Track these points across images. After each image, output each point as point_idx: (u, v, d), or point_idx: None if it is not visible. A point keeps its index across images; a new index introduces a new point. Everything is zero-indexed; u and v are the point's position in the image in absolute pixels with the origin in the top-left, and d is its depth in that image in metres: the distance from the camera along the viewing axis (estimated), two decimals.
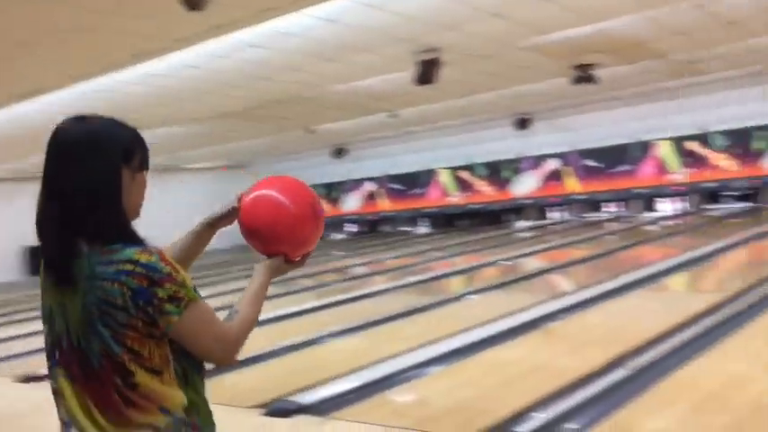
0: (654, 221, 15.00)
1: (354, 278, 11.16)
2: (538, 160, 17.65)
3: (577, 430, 3.40)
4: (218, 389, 4.77)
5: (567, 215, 17.75)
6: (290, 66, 8.93)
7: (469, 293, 8.29)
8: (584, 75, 10.46)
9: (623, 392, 3.86)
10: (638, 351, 4.64)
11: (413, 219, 19.65)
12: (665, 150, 15.78)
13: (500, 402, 3.87)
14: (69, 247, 1.39)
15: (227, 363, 1.48)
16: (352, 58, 8.73)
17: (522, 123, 16.55)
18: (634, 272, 8.14)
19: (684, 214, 15.41)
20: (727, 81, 13.73)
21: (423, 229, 19.19)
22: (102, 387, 1.38)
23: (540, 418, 3.54)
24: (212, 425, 1.51)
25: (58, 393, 1.45)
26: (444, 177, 19.04)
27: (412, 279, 9.43)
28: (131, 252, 1.38)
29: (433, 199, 19.07)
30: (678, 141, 15.54)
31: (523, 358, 4.85)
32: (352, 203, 21.12)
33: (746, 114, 14.57)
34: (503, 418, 3.57)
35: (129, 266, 1.36)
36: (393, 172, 19.44)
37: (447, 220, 19.11)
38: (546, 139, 17.25)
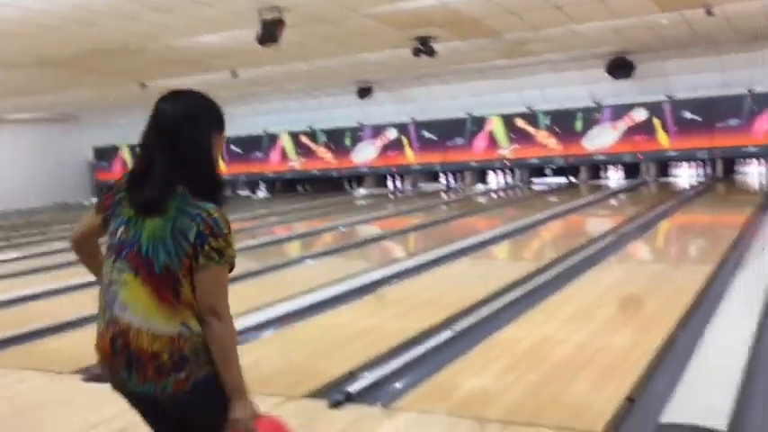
0: (484, 193, 15.80)
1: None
2: (378, 129, 17.94)
3: (402, 389, 3.52)
4: (36, 353, 4.48)
5: (404, 185, 18.25)
6: (119, 13, 8.36)
7: (306, 258, 8.31)
8: (423, 47, 10.71)
9: (447, 353, 4.05)
10: (463, 314, 4.88)
11: (252, 183, 19.34)
12: (496, 126, 16.60)
13: (331, 363, 3.92)
14: (171, 189, 1.83)
15: (214, 327, 1.81)
16: (191, 11, 8.34)
17: (364, 92, 16.72)
18: (463, 240, 8.52)
19: (511, 188, 16.36)
20: (553, 63, 14.65)
21: (262, 193, 18.95)
22: (159, 287, 1.80)
23: (368, 378, 3.63)
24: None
25: (116, 282, 1.84)
26: (285, 142, 18.85)
27: (250, 243, 9.29)
28: (212, 207, 1.84)
29: (273, 163, 18.87)
30: (508, 118, 16.41)
31: (355, 321, 4.94)
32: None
33: (569, 96, 15.66)
34: (332, 379, 3.62)
35: (205, 215, 1.82)
36: (232, 134, 18.94)
37: (287, 186, 19.00)
38: (387, 109, 17.56)
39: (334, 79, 15.52)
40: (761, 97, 14.09)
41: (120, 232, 1.86)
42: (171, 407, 1.82)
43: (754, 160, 14.97)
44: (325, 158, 18.57)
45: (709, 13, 9.79)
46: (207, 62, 11.72)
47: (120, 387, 1.86)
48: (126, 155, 21.18)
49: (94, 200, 21.13)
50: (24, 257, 9.09)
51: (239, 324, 4.75)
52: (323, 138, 18.53)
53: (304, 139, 18.70)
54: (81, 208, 19.16)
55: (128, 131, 20.95)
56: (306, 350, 4.34)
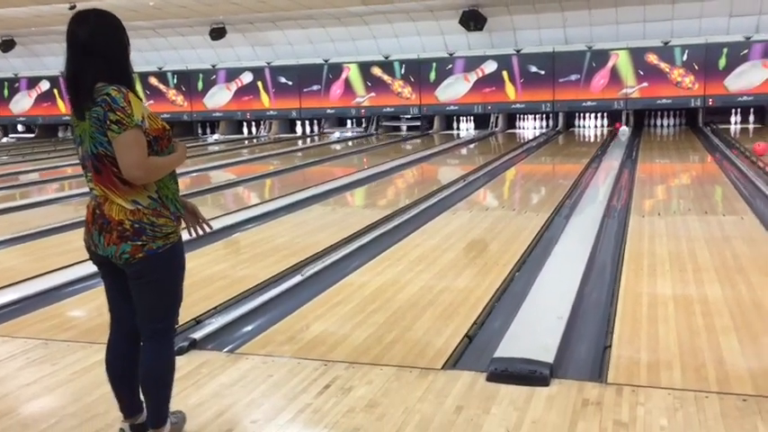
0: (340, 141, 15.82)
1: (22, 186, 10.07)
2: (233, 73, 17.39)
3: (248, 335, 3.50)
4: None
5: (259, 131, 17.90)
6: None
7: None
8: None
9: (295, 299, 4.06)
10: (313, 260, 4.91)
11: None
12: (352, 74, 16.58)
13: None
14: (83, 91, 2.19)
15: (136, 181, 2.17)
16: None
17: (218, 33, 16.06)
18: (318, 187, 8.52)
19: (367, 135, 16.49)
20: (409, 13, 14.76)
21: None
22: (108, 174, 2.19)
23: (214, 324, 3.57)
24: (179, 204, 2.35)
25: (90, 189, 2.27)
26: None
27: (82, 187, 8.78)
28: (112, 89, 2.15)
29: None
30: (364, 66, 16.43)
31: (203, 267, 4.82)
32: (24, 104, 18.86)
33: (424, 46, 15.90)
34: (178, 326, 3.52)
35: (105, 97, 2.14)
36: None
37: None
38: (242, 52, 17.02)
39: (186, 18, 14.78)
40: (598, 54, 14.99)
41: (79, 150, 2.27)
42: (127, 270, 2.23)
43: (592, 114, 15.99)
44: (177, 101, 17.80)
45: None
46: None
47: (91, 249, 2.28)
48: None
49: None
50: None
51: (75, 273, 4.52)
52: (174, 80, 17.71)
53: (153, 81, 17.78)
54: None
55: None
56: None
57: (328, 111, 17.01)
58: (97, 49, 2.18)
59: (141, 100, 2.24)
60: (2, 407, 2.72)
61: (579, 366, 3.03)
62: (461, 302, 3.89)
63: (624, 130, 13.83)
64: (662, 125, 15.71)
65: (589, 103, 15.37)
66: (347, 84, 16.66)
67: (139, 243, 2.18)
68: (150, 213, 2.21)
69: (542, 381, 2.76)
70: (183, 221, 2.40)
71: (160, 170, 2.23)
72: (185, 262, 2.35)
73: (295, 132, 17.86)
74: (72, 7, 12.05)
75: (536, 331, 3.35)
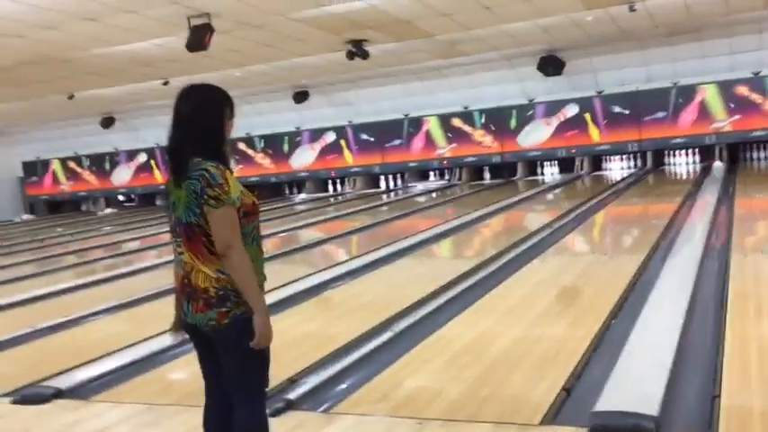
0: (424, 193, 15.91)
1: (123, 254, 10.57)
2: (316, 133, 17.88)
3: (342, 393, 3.51)
4: None
5: (344, 188, 18.23)
6: (43, 23, 8.11)
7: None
8: (356, 50, 10.72)
9: (387, 355, 4.05)
10: (403, 315, 4.90)
11: None
12: (432, 126, 16.74)
13: (270, 371, 3.87)
14: (183, 162, 2.31)
15: (222, 254, 2.25)
16: (116, 20, 8.15)
17: (301, 96, 16.62)
18: (404, 240, 8.56)
19: (450, 186, 16.52)
20: (486, 62, 14.86)
21: None
22: (197, 243, 2.29)
23: (308, 384, 3.60)
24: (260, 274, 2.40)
25: (179, 254, 2.36)
26: None
27: None
28: (210, 164, 2.26)
29: None
30: (444, 118, 16.57)
31: (296, 326, 4.89)
32: (123, 175, 19.93)
33: (503, 94, 15.91)
34: (272, 387, 3.57)
35: (204, 172, 2.24)
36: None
37: None
38: (324, 112, 17.51)
39: (270, 84, 15.39)
40: (685, 90, 14.58)
41: (172, 216, 2.37)
42: (214, 337, 2.30)
43: (682, 151, 15.48)
44: (264, 164, 18.41)
45: (631, 9, 10.09)
46: (135, 71, 11.47)
47: (182, 318, 2.39)
48: (57, 168, 20.58)
49: (26, 216, 20.47)
50: None
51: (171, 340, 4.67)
52: (261, 144, 18.37)
53: (241, 146, 18.49)
54: (12, 225, 18.49)
55: (57, 145, 20.44)
56: None
57: (410, 164, 17.17)
58: (195, 125, 2.31)
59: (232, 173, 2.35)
60: None
61: (686, 418, 2.88)
62: (557, 353, 3.78)
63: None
64: (758, 158, 15.02)
65: (678, 140, 14.90)
66: (428, 136, 16.82)
67: (224, 309, 2.25)
68: (232, 282, 2.27)
69: None
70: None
71: (243, 264, 2.27)
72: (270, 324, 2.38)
73: (379, 187, 18.09)
74: (165, 83, 12.79)
75: (638, 381, 3.22)
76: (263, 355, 2.36)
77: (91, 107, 15.67)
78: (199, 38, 8.18)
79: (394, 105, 16.80)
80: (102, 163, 20.09)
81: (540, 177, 16.39)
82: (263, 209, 12.64)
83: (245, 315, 2.26)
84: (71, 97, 13.58)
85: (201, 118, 2.32)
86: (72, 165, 20.48)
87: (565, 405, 3.10)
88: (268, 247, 9.75)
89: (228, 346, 2.30)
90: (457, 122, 16.49)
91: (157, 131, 18.10)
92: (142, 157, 19.61)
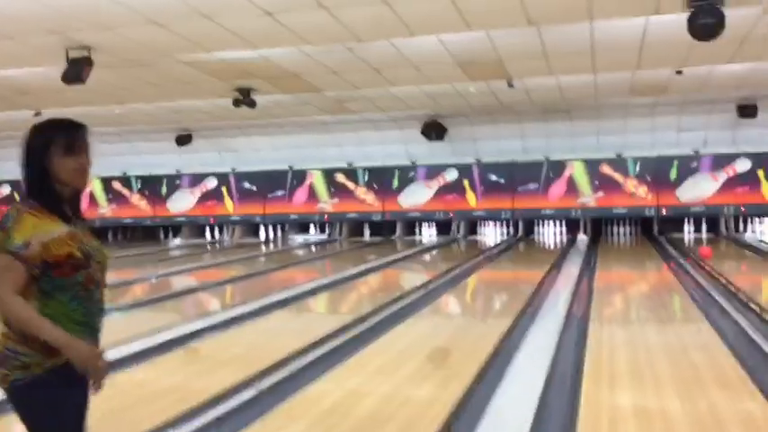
0: (303, 246, 15.84)
1: None
2: (197, 178, 17.51)
3: None
4: None
5: (222, 236, 17.86)
6: None
7: (112, 310, 7.79)
8: (244, 98, 10.68)
9: (250, 413, 3.93)
10: (273, 369, 4.79)
11: None
12: (317, 180, 16.83)
13: (123, 427, 3.66)
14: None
15: None
16: None
17: (183, 139, 16.28)
18: (280, 293, 8.45)
19: (330, 241, 16.56)
20: (373, 122, 15.20)
21: None
22: None
23: None
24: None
25: None
26: (95, 188, 17.82)
27: None
28: (16, 204, 2.08)
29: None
30: (328, 173, 16.71)
31: (157, 379, 4.67)
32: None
33: (387, 154, 16.28)
34: None
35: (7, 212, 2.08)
36: None
37: (96, 233, 17.80)
38: (206, 157, 17.21)
39: (151, 124, 14.97)
40: (555, 164, 15.50)
41: None
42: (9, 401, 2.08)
43: (550, 222, 16.35)
44: (140, 206, 17.76)
45: (510, 84, 10.67)
46: (10, 98, 10.86)
47: None
48: None
49: None
50: None
51: None
52: (137, 185, 17.75)
53: (116, 185, 17.79)
54: None
55: None
56: (98, 412, 4.01)
57: (292, 216, 17.11)
58: (22, 167, 2.17)
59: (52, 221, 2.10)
60: None
61: None
62: (421, 416, 3.81)
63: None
64: (619, 233, 16.10)
65: (547, 212, 15.74)
66: (311, 189, 16.87)
67: (5, 371, 2.02)
68: (16, 339, 2.02)
69: None
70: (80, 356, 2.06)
71: (11, 311, 1.99)
72: (63, 402, 2.06)
73: (258, 237, 17.85)
74: (37, 113, 12.17)
75: None
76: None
77: None
78: (77, 71, 7.87)
79: (279, 156, 16.79)
80: None
81: (418, 237, 16.77)
82: (134, 252, 12.18)
83: (18, 382, 2.00)
84: None
85: (25, 161, 2.16)
86: None
87: None
88: (136, 293, 9.34)
89: (18, 413, 2.05)
90: (341, 178, 16.67)
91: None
92: (6, 190, 18.45)
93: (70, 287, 2.09)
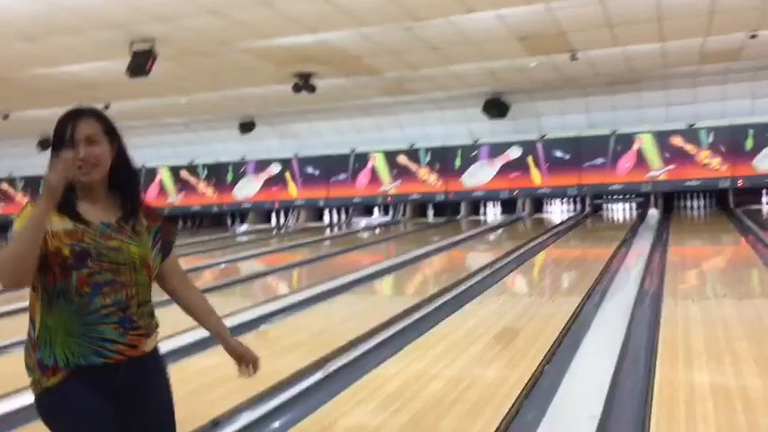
0: (367, 229, 15.89)
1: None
2: (261, 164, 17.75)
3: (277, 429, 3.39)
4: None
5: (287, 220, 18.08)
6: None
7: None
8: (303, 83, 10.72)
9: (319, 396, 3.95)
10: (340, 352, 4.81)
11: None
12: (379, 162, 16.82)
13: (193, 411, 3.73)
14: None
15: None
16: (56, 41, 7.95)
17: (247, 127, 16.51)
18: (345, 276, 8.48)
19: (394, 223, 16.56)
20: (434, 102, 15.06)
21: None
22: None
23: (232, 426, 3.47)
24: (67, 354, 1.87)
25: None
26: (164, 177, 18.29)
27: None
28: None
29: (150, 199, 18.19)
30: (390, 155, 16.67)
31: (226, 364, 4.73)
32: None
33: (449, 134, 16.13)
34: (193, 429, 3.44)
35: None
36: None
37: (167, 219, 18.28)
38: (270, 143, 17.42)
39: (215, 113, 15.25)
40: (623, 138, 15.05)
41: None
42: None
43: (619, 197, 15.91)
44: (207, 194, 18.14)
45: (573, 57, 10.38)
46: (75, 93, 11.19)
47: None
48: None
49: None
50: None
51: None
52: (204, 173, 18.12)
53: (184, 174, 18.20)
54: None
55: None
56: (175, 395, 4.11)
57: (355, 199, 17.17)
58: None
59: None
60: None
61: None
62: (488, 399, 3.74)
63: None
64: (692, 207, 15.54)
65: (616, 187, 15.32)
66: (374, 172, 16.88)
67: (36, 377, 1.92)
68: (30, 349, 1.93)
69: None
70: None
71: (6, 251, 1.78)
72: (88, 409, 1.89)
73: (322, 221, 18.00)
74: (107, 106, 12.50)
75: (568, 429, 3.20)
76: None
77: (27, 128, 15.22)
78: (141, 63, 8.04)
79: (341, 140, 16.84)
80: (39, 187, 19.49)
81: (482, 217, 16.59)
82: (203, 239, 12.45)
83: (41, 394, 1.89)
84: (6, 117, 13.16)
85: None
86: None
87: None
88: (205, 279, 9.55)
89: None
90: (403, 159, 16.61)
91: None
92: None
93: (65, 292, 1.87)
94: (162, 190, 18.25)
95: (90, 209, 1.93)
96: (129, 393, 1.97)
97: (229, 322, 5.80)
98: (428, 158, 16.44)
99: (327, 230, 16.29)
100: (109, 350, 1.90)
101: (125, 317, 1.93)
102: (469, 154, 16.18)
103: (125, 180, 2.02)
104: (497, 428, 3.29)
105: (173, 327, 5.95)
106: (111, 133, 1.99)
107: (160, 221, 2.08)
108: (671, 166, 14.84)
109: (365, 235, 14.98)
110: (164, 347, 5.17)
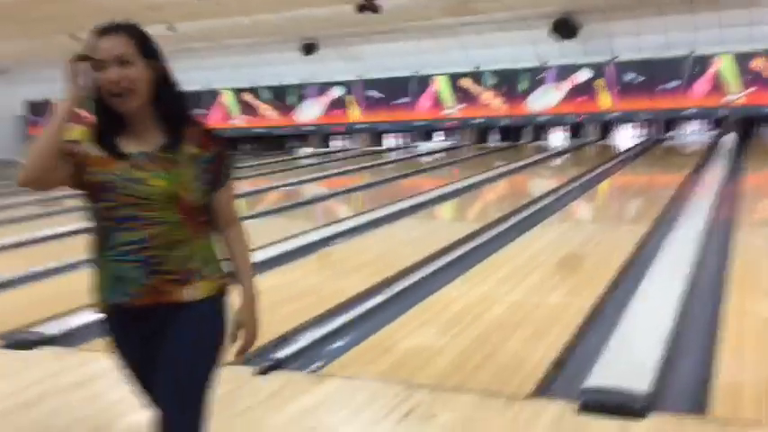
0: (429, 153, 15.77)
1: None
2: (323, 87, 17.67)
3: (333, 354, 3.47)
4: None
5: (348, 144, 18.09)
6: None
7: (247, 218, 8.15)
8: (367, 3, 10.49)
9: (382, 316, 4.01)
10: (402, 275, 4.85)
11: None
12: (441, 85, 16.51)
13: (263, 327, 3.83)
14: None
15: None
16: None
17: (309, 48, 16.36)
18: (407, 200, 8.49)
19: (456, 147, 16.37)
20: (499, 23, 14.56)
21: None
22: None
23: (299, 342, 3.56)
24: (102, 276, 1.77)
25: None
26: (227, 99, 18.42)
27: None
28: None
29: (214, 121, 18.40)
30: (453, 78, 16.32)
31: (292, 283, 4.85)
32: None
33: (515, 56, 15.64)
34: (262, 344, 3.53)
35: None
36: None
37: (229, 144, 18.49)
38: (332, 66, 17.26)
39: (278, 35, 15.14)
40: (700, 60, 14.31)
41: None
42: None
43: (693, 122, 15.27)
44: (269, 116, 18.24)
45: None
46: (141, 14, 11.24)
47: None
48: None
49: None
50: None
51: None
52: (267, 95, 18.17)
53: (247, 97, 18.30)
54: (13, 164, 18.44)
55: (61, 85, 20.13)
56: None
57: (417, 123, 16.99)
58: None
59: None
60: None
61: (679, 396, 2.83)
62: (552, 324, 3.73)
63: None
64: None
65: (690, 111, 14.68)
66: (436, 95, 16.60)
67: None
68: None
69: (638, 414, 2.58)
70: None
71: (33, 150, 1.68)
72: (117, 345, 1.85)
73: (383, 145, 17.93)
74: (170, 28, 12.54)
75: (632, 358, 3.16)
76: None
77: None
78: None
79: (404, 62, 16.53)
80: None
81: (547, 142, 16.22)
82: (265, 161, 12.61)
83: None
84: (74, 38, 13.37)
85: None
86: None
87: (556, 378, 3.05)
88: (269, 201, 9.70)
89: None
90: (466, 82, 16.25)
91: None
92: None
93: (97, 223, 1.78)
94: (225, 112, 18.42)
95: (130, 139, 1.75)
96: (156, 341, 1.77)
97: (290, 245, 5.96)
98: (492, 81, 16.04)
99: (389, 154, 16.23)
100: (131, 291, 1.72)
101: (149, 257, 1.71)
102: (535, 77, 15.70)
103: (169, 105, 1.77)
104: (560, 353, 3.28)
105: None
106: (151, 54, 1.73)
107: (214, 150, 1.80)
108: (751, 90, 14.09)
109: (427, 159, 14.88)
110: (227, 266, 5.28)
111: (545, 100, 15.67)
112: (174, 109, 1.78)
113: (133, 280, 1.72)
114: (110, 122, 1.74)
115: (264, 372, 3.13)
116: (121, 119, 1.74)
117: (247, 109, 18.29)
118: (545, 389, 2.92)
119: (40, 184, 1.70)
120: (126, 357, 1.84)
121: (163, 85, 1.76)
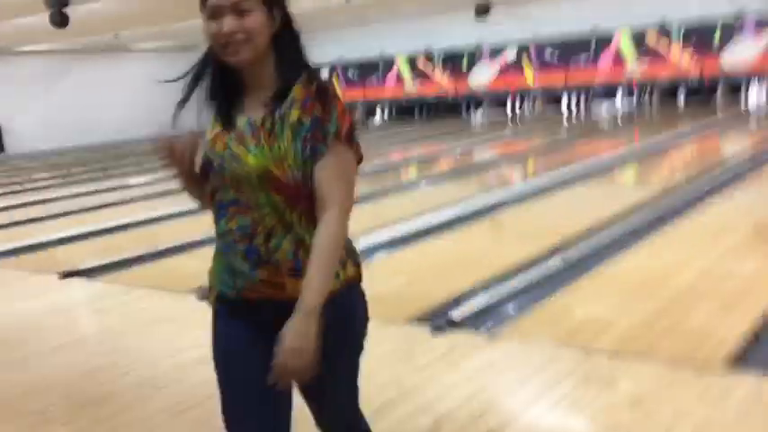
0: (609, 114, 15.03)
1: None
2: (496, 50, 17.34)
3: (509, 316, 3.45)
4: (159, 273, 4.74)
5: (524, 108, 17.68)
6: None
7: (421, 183, 8.27)
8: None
9: (559, 281, 3.90)
10: (580, 239, 4.69)
11: (368, 109, 19.26)
12: (623, 42, 15.59)
13: (438, 288, 3.89)
14: None
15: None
16: None
17: (482, 9, 16.06)
18: (585, 163, 8.18)
19: (639, 109, 15.46)
20: None
21: (377, 119, 18.91)
22: None
23: (474, 304, 3.57)
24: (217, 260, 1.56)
25: None
26: (401, 66, 18.64)
27: (365, 167, 9.36)
28: None
29: (389, 89, 18.74)
30: (637, 33, 15.33)
31: (466, 246, 4.87)
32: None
33: (707, 6, 14.36)
34: (438, 304, 3.59)
35: None
36: (349, 58, 18.79)
37: (403, 111, 18.81)
38: (505, 27, 16.84)
39: None
40: None
41: None
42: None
43: None
44: (442, 83, 18.22)
45: None
46: None
47: None
48: None
49: None
50: (152, 183, 9.51)
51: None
52: (440, 60, 18.12)
53: (421, 63, 18.39)
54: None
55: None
56: (411, 275, 4.32)
57: (597, 84, 16.20)
58: None
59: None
60: None
61: None
62: (747, 292, 3.45)
63: None
64: None
65: None
66: (617, 54, 15.70)
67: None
68: None
69: None
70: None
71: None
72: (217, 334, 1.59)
73: (560, 108, 17.33)
74: None
75: None
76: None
77: None
78: None
79: (581, 17, 15.71)
80: None
81: (742, 103, 14.82)
82: (438, 127, 12.63)
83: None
84: None
85: None
86: None
87: (752, 349, 2.82)
88: (442, 166, 9.75)
89: None
90: (651, 38, 15.20)
91: (335, 47, 18.29)
92: (322, 72, 20.16)
93: (212, 200, 1.57)
94: (399, 79, 18.64)
95: (249, 102, 1.51)
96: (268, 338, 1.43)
97: (464, 209, 5.96)
98: (681, 36, 14.86)
99: (566, 119, 15.65)
100: (240, 285, 1.50)
101: (252, 247, 1.47)
102: (731, 28, 14.34)
103: (284, 53, 1.49)
104: (756, 323, 3.03)
105: (419, 205, 6.25)
106: (274, 0, 1.48)
107: (317, 113, 1.44)
108: None
109: (607, 122, 14.19)
110: (402, 229, 5.38)
111: (742, 54, 14.29)
112: (291, 57, 1.50)
113: (241, 272, 1.49)
114: (223, 82, 1.52)
115: (439, 331, 3.17)
116: (238, 75, 1.50)
117: (421, 75, 18.39)
118: (738, 361, 2.71)
119: (203, 205, 1.61)
120: (228, 351, 1.56)
121: (285, 36, 1.50)
